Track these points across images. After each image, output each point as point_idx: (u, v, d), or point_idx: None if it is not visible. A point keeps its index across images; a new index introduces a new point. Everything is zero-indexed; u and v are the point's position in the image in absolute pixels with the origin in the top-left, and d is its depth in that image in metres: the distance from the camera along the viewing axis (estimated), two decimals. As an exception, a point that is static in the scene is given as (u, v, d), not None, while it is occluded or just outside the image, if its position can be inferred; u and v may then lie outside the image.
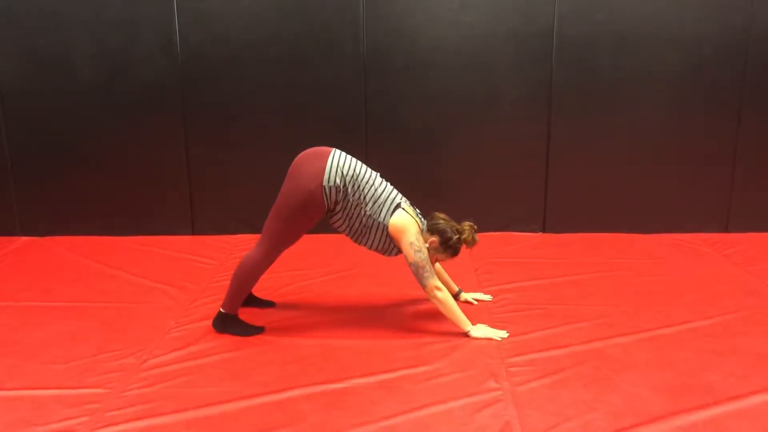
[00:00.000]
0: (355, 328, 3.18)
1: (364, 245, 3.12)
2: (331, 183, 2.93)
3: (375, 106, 4.57)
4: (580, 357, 2.85)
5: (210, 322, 3.22)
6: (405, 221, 3.00)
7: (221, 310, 3.15)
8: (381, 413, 2.43)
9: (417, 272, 2.99)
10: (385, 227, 3.01)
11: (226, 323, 3.14)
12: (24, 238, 4.75)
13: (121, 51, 4.49)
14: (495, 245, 4.38)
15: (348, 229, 3.07)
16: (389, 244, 3.07)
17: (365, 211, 3.00)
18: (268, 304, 3.47)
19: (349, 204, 2.99)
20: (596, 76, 4.48)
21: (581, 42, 4.42)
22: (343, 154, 3.04)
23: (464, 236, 3.09)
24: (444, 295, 3.02)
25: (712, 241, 4.50)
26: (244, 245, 4.52)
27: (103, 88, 4.56)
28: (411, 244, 2.97)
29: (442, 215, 3.14)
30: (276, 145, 4.64)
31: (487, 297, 3.52)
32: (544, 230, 4.75)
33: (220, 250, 4.44)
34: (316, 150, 3.05)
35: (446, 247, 3.09)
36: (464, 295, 3.46)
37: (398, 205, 3.04)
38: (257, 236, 4.63)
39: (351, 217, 3.02)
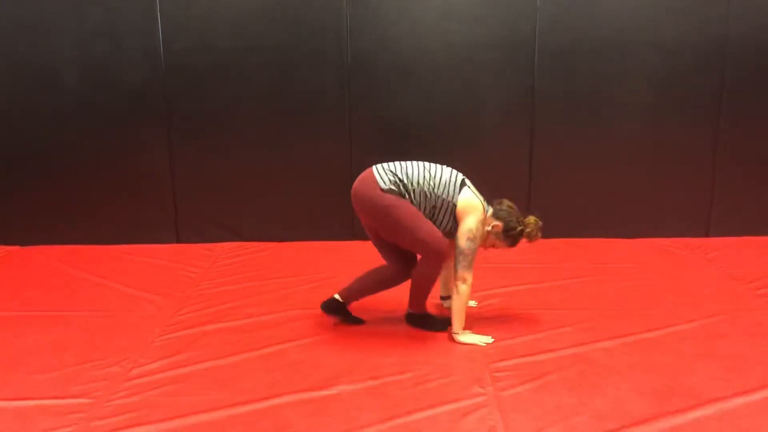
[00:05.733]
0: (341, 335, 3.18)
1: None
2: (388, 183, 2.96)
3: (359, 113, 4.59)
4: (565, 361, 2.87)
5: (195, 330, 3.22)
6: (474, 204, 3.00)
7: (411, 311, 3.24)
8: (367, 420, 2.44)
9: (458, 257, 2.99)
10: (454, 206, 3.01)
11: (417, 320, 3.23)
12: (6, 248, 4.71)
13: (104, 59, 4.48)
14: (479, 251, 4.39)
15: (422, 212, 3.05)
16: (453, 226, 3.04)
17: (434, 193, 2.99)
18: (356, 320, 3.34)
19: (414, 191, 2.98)
20: (578, 82, 4.52)
21: (563, 49, 4.47)
22: (385, 163, 3.07)
23: (528, 230, 3.07)
24: (467, 289, 3.01)
25: (694, 246, 4.55)
26: (228, 253, 4.51)
27: (86, 96, 4.54)
28: (469, 230, 2.97)
29: (509, 203, 3.12)
30: (260, 152, 4.65)
31: (472, 303, 3.53)
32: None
33: (205, 258, 4.42)
34: (359, 178, 3.08)
35: (507, 235, 3.07)
36: (449, 302, 3.47)
37: (463, 182, 3.05)
38: (242, 243, 4.71)
39: (420, 201, 3.00)
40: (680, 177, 4.67)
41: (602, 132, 4.61)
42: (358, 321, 3.32)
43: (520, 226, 3.06)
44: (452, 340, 3.08)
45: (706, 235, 4.74)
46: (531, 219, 3.10)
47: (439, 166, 3.09)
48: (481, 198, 3.09)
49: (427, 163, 3.09)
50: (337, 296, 3.26)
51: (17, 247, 4.71)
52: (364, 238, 4.76)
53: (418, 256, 3.11)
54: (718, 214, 4.72)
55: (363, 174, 3.09)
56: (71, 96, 4.54)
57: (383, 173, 3.00)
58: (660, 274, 3.99)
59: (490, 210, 3.10)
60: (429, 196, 3.00)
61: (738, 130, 4.58)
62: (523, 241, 3.13)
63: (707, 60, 4.47)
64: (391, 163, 3.06)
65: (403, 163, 3.07)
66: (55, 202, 4.71)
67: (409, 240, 3.02)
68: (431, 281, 3.12)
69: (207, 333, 3.22)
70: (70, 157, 4.65)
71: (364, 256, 4.38)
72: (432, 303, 3.42)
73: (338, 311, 3.27)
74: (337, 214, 4.77)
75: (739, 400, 2.54)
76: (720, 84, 4.51)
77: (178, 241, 4.78)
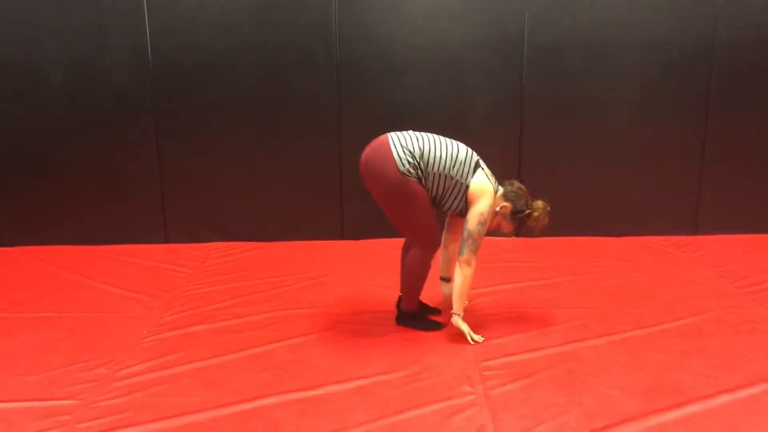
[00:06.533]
0: (330, 335, 3.18)
1: (443, 209, 3.10)
2: (407, 165, 2.92)
3: (348, 112, 4.58)
4: (554, 360, 2.88)
5: (183, 331, 3.21)
6: (485, 188, 2.99)
7: (402, 310, 3.23)
8: (356, 419, 2.44)
9: (466, 240, 2.97)
10: (467, 188, 2.99)
11: (410, 319, 3.24)
12: (-7, 249, 4.68)
13: (91, 58, 4.45)
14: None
15: (433, 194, 3.04)
16: (463, 207, 3.04)
17: (448, 175, 2.97)
18: (434, 311, 3.42)
19: (429, 174, 2.97)
20: (567, 81, 4.54)
21: (552, 47, 4.48)
22: (400, 134, 3.02)
23: (535, 214, 3.05)
24: (471, 273, 3.00)
25: (682, 244, 4.57)
26: (217, 253, 4.49)
27: (73, 95, 4.51)
28: (480, 214, 2.96)
29: (520, 184, 3.11)
30: (249, 152, 4.63)
31: (462, 302, 3.54)
32: (517, 234, 4.77)
33: (194, 258, 4.40)
34: (372, 147, 3.02)
35: (514, 218, 3.06)
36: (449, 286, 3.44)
37: (477, 163, 3.04)
38: (231, 243, 4.69)
39: (434, 183, 2.99)
40: (668, 175, 4.69)
41: (591, 131, 4.62)
42: (435, 311, 3.40)
43: (528, 209, 3.05)
44: (442, 339, 3.08)
45: (694, 233, 4.76)
46: (539, 203, 3.08)
47: (455, 143, 3.06)
48: (493, 180, 3.08)
49: (443, 139, 3.05)
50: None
51: (5, 248, 4.66)
52: (354, 237, 4.76)
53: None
54: (706, 213, 4.74)
55: (378, 143, 3.01)
56: (58, 95, 4.51)
57: (402, 153, 2.93)
58: (648, 273, 4.00)
59: (501, 190, 3.09)
60: (444, 178, 2.98)
61: (725, 128, 4.61)
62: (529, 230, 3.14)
63: (695, 59, 4.49)
64: (408, 138, 2.99)
65: (420, 137, 3.00)
66: (42, 202, 4.67)
67: (411, 226, 3.04)
68: (423, 271, 3.12)
69: (195, 333, 3.21)
70: (57, 157, 4.61)
71: (353, 256, 4.39)
72: (429, 300, 3.42)
73: (417, 316, 3.27)
74: (327, 214, 4.76)
75: (726, 398, 2.55)
76: (708, 83, 4.53)
77: (167, 242, 4.76)
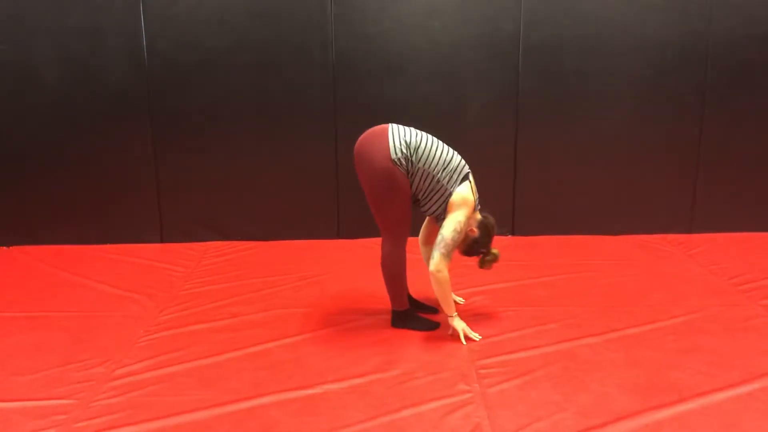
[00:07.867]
0: (327, 333, 3.18)
1: (422, 209, 3.12)
2: (399, 155, 2.93)
3: (344, 111, 4.58)
4: (550, 358, 2.89)
5: (180, 330, 3.21)
6: (466, 198, 3.00)
7: (394, 309, 3.22)
8: (353, 418, 2.44)
9: (439, 245, 2.97)
10: (449, 195, 3.01)
11: (404, 319, 3.23)
12: (-12, 248, 4.67)
13: (86, 58, 4.44)
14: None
15: (416, 193, 3.05)
16: (441, 213, 3.06)
17: (435, 177, 2.98)
18: (431, 309, 3.43)
19: (417, 171, 2.98)
20: (562, 81, 4.54)
21: (547, 47, 4.48)
22: (401, 126, 3.04)
23: (487, 258, 3.14)
24: (444, 276, 2.98)
25: (677, 242, 4.59)
26: (213, 252, 4.49)
27: (69, 95, 4.50)
28: (458, 222, 2.97)
29: (494, 222, 3.14)
30: (244, 151, 4.63)
31: (459, 300, 3.54)
32: (513, 233, 4.80)
33: (190, 257, 4.40)
34: (371, 131, 3.05)
35: (470, 244, 3.10)
36: None
37: (466, 176, 3.05)
38: (227, 242, 4.69)
39: (420, 182, 3.00)
40: (663, 174, 4.70)
41: (586, 129, 4.63)
42: (433, 310, 3.41)
43: (485, 248, 3.13)
44: (438, 337, 3.09)
45: (690, 231, 4.77)
46: (495, 251, 3.17)
47: (451, 150, 3.08)
48: (476, 196, 3.09)
49: (441, 143, 3.07)
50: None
51: (0, 248, 4.67)
52: (350, 236, 4.76)
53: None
54: (701, 211, 4.75)
55: (377, 128, 3.04)
56: (54, 95, 4.50)
57: (398, 143, 2.95)
58: (644, 271, 4.02)
59: (477, 214, 3.12)
60: (431, 179, 2.99)
61: (721, 127, 4.62)
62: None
63: (690, 57, 4.50)
64: (408, 131, 3.01)
65: (419, 134, 3.03)
66: (37, 202, 4.66)
67: (387, 216, 3.04)
68: (399, 266, 3.12)
69: (192, 332, 3.21)
70: (53, 157, 4.60)
71: (349, 255, 4.39)
72: (426, 295, 3.43)
73: (410, 315, 3.27)
74: (323, 213, 4.76)
75: (721, 395, 2.56)
76: (703, 81, 4.55)
77: (163, 241, 4.75)
